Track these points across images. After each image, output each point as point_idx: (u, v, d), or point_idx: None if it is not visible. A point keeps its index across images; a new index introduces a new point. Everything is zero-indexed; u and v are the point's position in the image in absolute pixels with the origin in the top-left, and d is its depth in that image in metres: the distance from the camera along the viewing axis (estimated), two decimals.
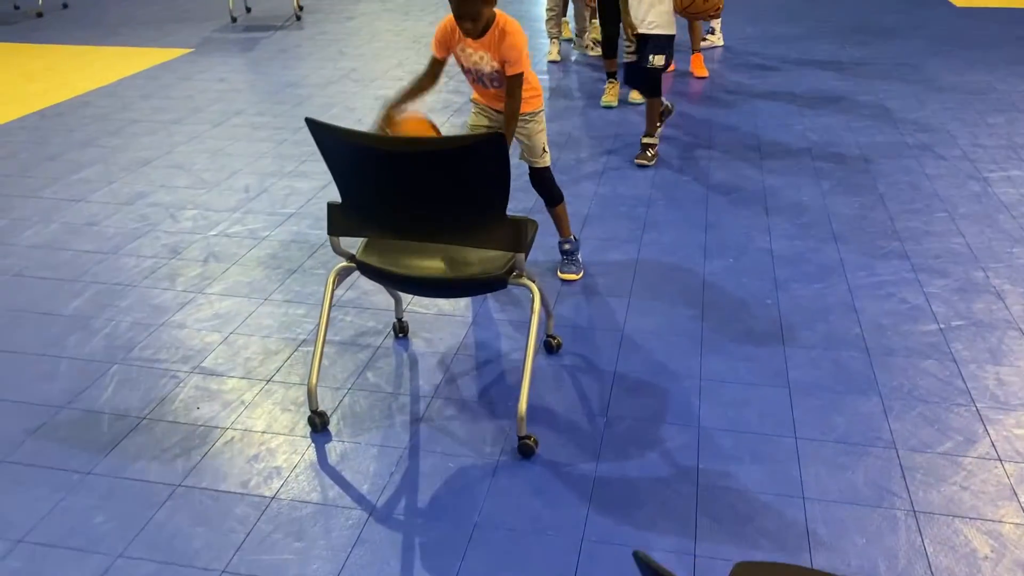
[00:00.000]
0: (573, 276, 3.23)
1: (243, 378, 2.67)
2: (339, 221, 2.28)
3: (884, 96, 5.32)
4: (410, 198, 2.18)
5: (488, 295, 3.08)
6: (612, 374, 2.67)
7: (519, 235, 2.20)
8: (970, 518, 2.09)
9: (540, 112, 3.00)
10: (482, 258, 2.36)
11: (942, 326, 2.90)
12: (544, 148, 3.04)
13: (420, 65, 6.29)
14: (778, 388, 2.59)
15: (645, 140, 4.34)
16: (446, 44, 2.80)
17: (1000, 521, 2.08)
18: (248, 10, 8.19)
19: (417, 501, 2.17)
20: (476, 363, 2.73)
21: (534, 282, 2.36)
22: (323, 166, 4.33)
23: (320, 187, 4.13)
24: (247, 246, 3.54)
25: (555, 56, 6.30)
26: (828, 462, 2.28)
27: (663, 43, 4.15)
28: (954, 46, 6.48)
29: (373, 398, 2.57)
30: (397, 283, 2.43)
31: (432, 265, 2.37)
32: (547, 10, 6.34)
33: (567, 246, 3.23)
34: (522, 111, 2.85)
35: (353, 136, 2.07)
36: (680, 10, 4.15)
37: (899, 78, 5.66)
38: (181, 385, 2.64)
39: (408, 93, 2.75)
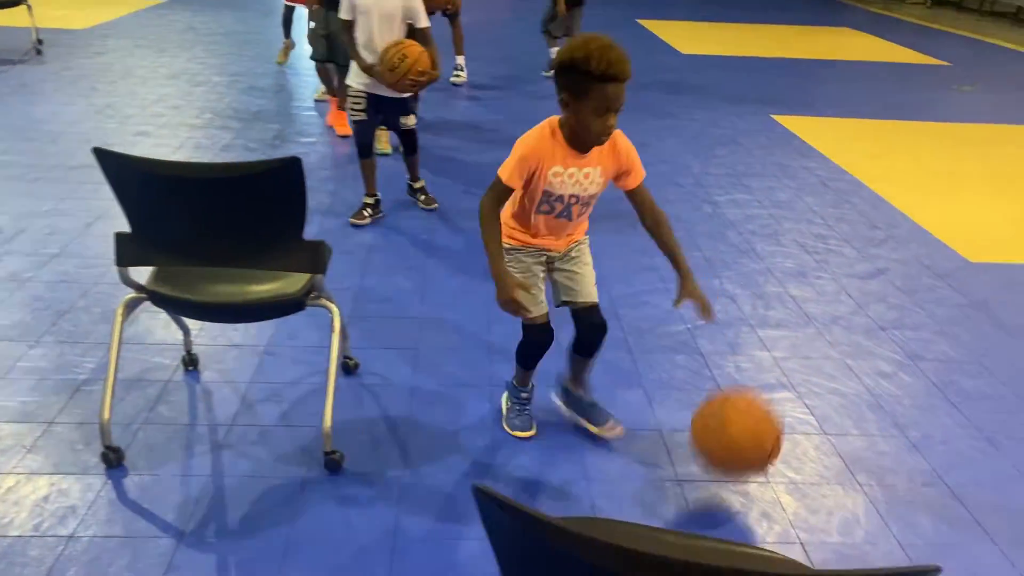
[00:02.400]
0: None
1: (22, 422, 2.53)
2: (128, 251, 2.26)
3: (629, 132, 5.92)
4: (205, 225, 2.22)
5: (278, 324, 3.12)
6: (410, 388, 2.81)
7: (317, 257, 2.30)
8: (722, 481, 2.45)
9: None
10: (278, 281, 2.42)
11: (689, 326, 3.33)
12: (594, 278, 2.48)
13: (183, 103, 6.17)
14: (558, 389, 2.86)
15: (417, 185, 4.40)
16: (535, 168, 2.19)
17: (748, 482, 2.46)
18: None
19: (227, 524, 2.18)
20: (272, 390, 2.76)
21: (333, 303, 2.46)
22: (87, 204, 4.13)
23: (85, 225, 3.94)
24: (9, 289, 3.32)
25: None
26: (606, 447, 2.57)
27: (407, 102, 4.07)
28: (683, 89, 7.35)
29: (169, 431, 2.53)
30: (192, 311, 2.43)
31: (227, 290, 2.40)
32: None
33: None
34: (581, 235, 2.46)
35: (146, 164, 2.08)
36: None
37: (640, 117, 6.33)
38: None
39: (500, 251, 2.23)
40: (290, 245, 2.28)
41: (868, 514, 2.35)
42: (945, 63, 9.26)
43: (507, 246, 2.36)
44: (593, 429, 2.59)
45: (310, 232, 4.06)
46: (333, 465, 2.39)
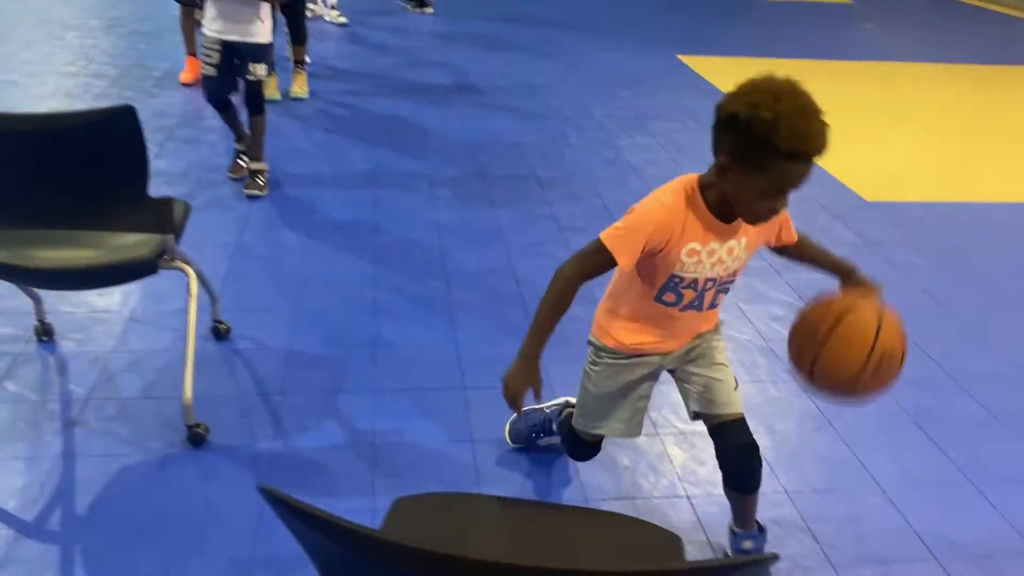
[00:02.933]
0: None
1: None
2: None
3: (526, 74, 5.76)
4: (35, 182, 2.00)
5: (143, 288, 2.90)
6: (286, 352, 2.65)
7: (165, 215, 2.11)
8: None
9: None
10: (128, 243, 2.22)
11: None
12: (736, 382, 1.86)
13: (54, 49, 5.72)
14: (447, 346, 2.74)
15: (255, 166, 3.74)
16: (662, 246, 1.61)
17: None
18: None
19: (76, 510, 2.01)
20: (136, 359, 2.56)
21: (190, 265, 2.27)
22: None
23: None
24: None
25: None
26: (493, 407, 2.46)
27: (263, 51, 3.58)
28: (587, 27, 7.18)
29: (16, 409, 2.32)
30: (28, 278, 2.21)
31: (68, 255, 2.19)
32: None
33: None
34: (712, 325, 1.85)
35: None
36: None
37: (539, 57, 6.16)
38: None
39: (548, 331, 1.70)
40: (134, 203, 2.07)
41: None
42: (848, 1, 9.31)
43: (602, 347, 1.83)
44: None
45: (188, 188, 3.85)
46: (196, 439, 2.22)
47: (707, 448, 2.35)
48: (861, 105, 5.62)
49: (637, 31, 7.24)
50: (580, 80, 5.73)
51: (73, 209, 2.05)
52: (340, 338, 2.74)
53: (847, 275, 1.84)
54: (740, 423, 1.81)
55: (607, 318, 1.83)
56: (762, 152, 1.46)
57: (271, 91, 4.89)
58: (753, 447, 1.81)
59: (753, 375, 2.69)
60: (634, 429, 1.92)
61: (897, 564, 2.00)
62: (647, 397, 1.90)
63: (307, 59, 5.24)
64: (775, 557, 0.85)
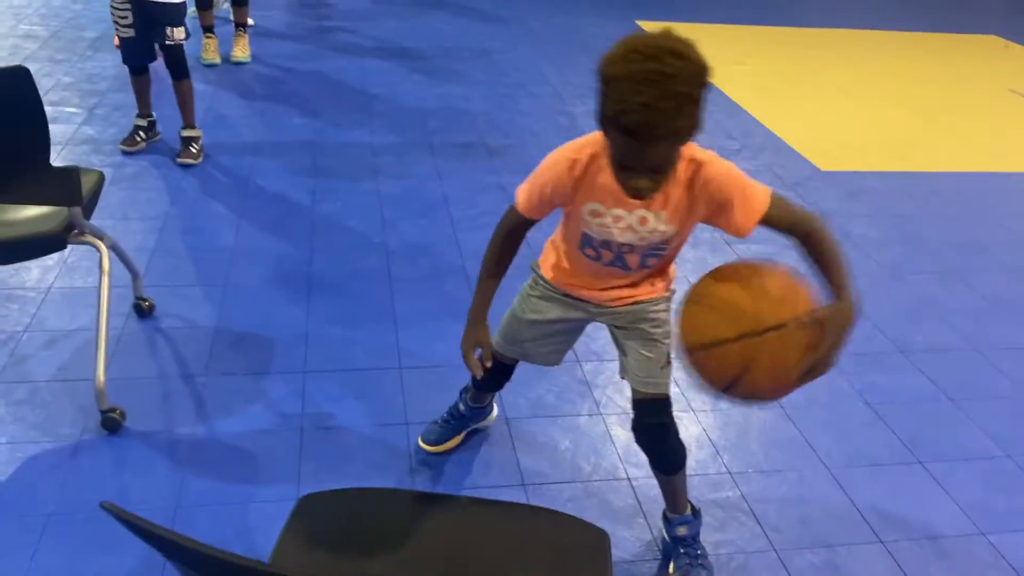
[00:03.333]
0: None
1: None
2: None
3: (477, 38, 5.59)
4: None
5: (59, 262, 2.74)
6: (213, 331, 2.52)
7: (69, 185, 1.95)
8: (553, 416, 2.29)
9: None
10: (31, 216, 2.06)
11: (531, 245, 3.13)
12: (670, 358, 1.72)
13: None
14: (384, 324, 2.62)
15: (186, 133, 3.57)
16: (557, 202, 1.57)
17: (577, 415, 2.31)
18: None
19: None
20: (51, 339, 2.41)
21: (102, 239, 2.12)
22: None
23: None
24: None
25: None
26: (430, 386, 2.36)
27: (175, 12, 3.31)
28: None
29: None
30: None
31: None
32: None
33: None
34: (655, 294, 1.70)
35: None
36: None
37: (491, 22, 5.99)
38: None
39: (489, 292, 1.71)
40: (35, 174, 1.92)
41: (700, 442, 2.25)
42: None
43: (540, 276, 1.75)
44: None
45: (117, 156, 3.65)
46: (111, 424, 2.09)
47: None
48: (817, 74, 5.55)
49: None
50: (534, 45, 5.58)
51: None
52: (271, 316, 2.60)
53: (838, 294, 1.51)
54: (657, 403, 1.71)
55: (548, 250, 1.75)
56: (600, 115, 1.35)
57: (210, 55, 4.68)
58: (662, 429, 1.73)
59: None
60: (553, 359, 1.85)
61: (841, 547, 1.95)
62: (571, 340, 1.84)
63: (250, 21, 5.02)
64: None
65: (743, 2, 7.31)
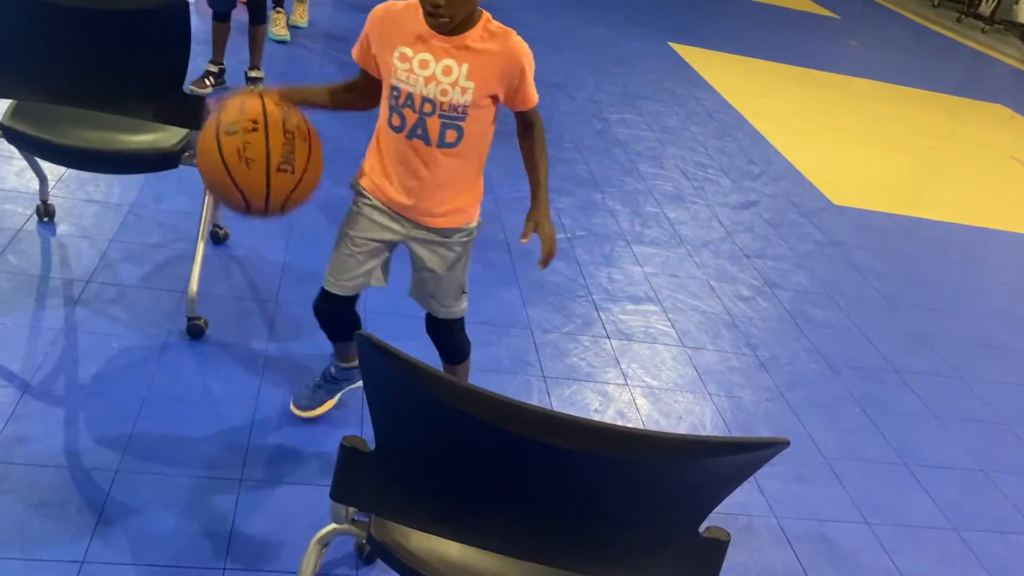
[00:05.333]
0: None
1: None
2: None
3: (527, 40, 5.83)
4: (76, 60, 2.05)
5: (143, 184, 2.95)
6: (282, 264, 2.74)
7: (196, 112, 2.18)
8: (585, 381, 2.54)
9: (476, 227, 1.88)
10: (153, 133, 2.28)
11: (568, 235, 3.38)
12: (464, 287, 1.92)
13: None
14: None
15: (253, 74, 3.84)
16: (377, 43, 1.67)
17: (606, 383, 2.56)
18: None
19: (78, 378, 2.09)
20: (134, 251, 2.63)
21: None
22: None
23: None
24: None
25: None
26: (476, 340, 2.59)
27: None
28: (582, 3, 7.28)
29: (18, 280, 2.38)
30: (53, 154, 2.25)
31: (96, 136, 2.24)
32: None
33: None
34: (454, 223, 1.80)
35: None
36: None
37: (536, 25, 6.25)
38: None
39: (311, 89, 1.84)
40: (168, 96, 2.14)
41: (714, 421, 2.50)
42: (836, 16, 9.57)
43: (359, 189, 1.83)
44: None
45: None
46: (197, 331, 2.31)
47: (672, 403, 2.53)
48: (837, 115, 5.86)
49: (630, 13, 7.36)
50: (573, 52, 5.84)
51: (108, 93, 2.11)
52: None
53: (533, 206, 1.87)
54: (458, 322, 1.94)
55: (366, 156, 1.83)
56: None
57: (280, 30, 4.63)
58: (452, 335, 1.97)
59: (717, 345, 2.88)
60: (379, 278, 1.91)
61: (833, 522, 2.21)
62: (388, 257, 1.90)
63: None
64: (786, 442, 1.01)
65: (769, 40, 7.63)
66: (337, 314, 1.97)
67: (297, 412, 2.13)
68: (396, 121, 1.69)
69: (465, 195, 1.81)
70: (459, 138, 1.69)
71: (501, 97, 1.69)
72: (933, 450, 2.60)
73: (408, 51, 1.62)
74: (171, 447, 1.96)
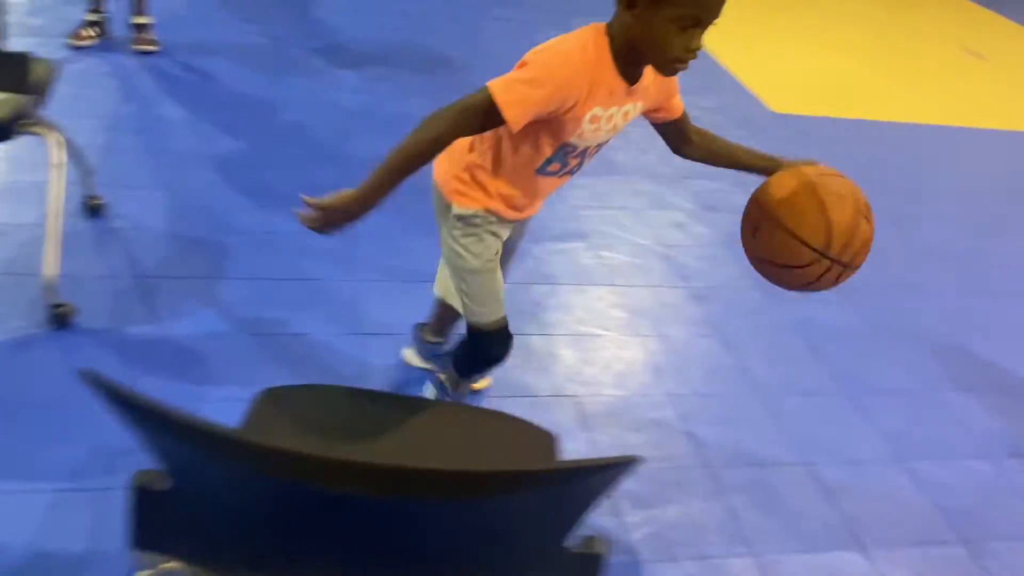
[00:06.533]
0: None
1: None
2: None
3: None
4: None
5: (6, 156, 2.66)
6: (165, 234, 2.50)
7: (21, 73, 1.90)
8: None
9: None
10: None
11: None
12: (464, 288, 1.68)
13: None
14: (343, 237, 2.62)
15: (138, 20, 3.50)
16: (566, 108, 1.35)
17: (529, 334, 2.37)
18: None
19: None
20: None
21: (55, 130, 2.08)
22: None
23: None
24: None
25: None
26: (389, 297, 2.39)
27: None
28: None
29: None
30: None
31: None
32: None
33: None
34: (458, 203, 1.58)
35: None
36: None
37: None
38: None
39: (396, 177, 1.39)
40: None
41: (645, 366, 2.33)
42: None
43: (473, 214, 1.54)
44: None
45: (64, 52, 3.51)
46: (59, 319, 2.08)
47: (598, 349, 2.36)
48: (770, 17, 5.58)
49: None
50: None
51: None
52: (225, 223, 2.59)
53: (776, 166, 1.65)
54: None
55: (471, 185, 1.54)
56: None
57: None
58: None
59: (648, 279, 2.69)
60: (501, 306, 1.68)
61: (771, 467, 2.07)
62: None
63: None
64: (637, 460, 0.81)
65: None
66: (510, 333, 1.70)
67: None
68: (554, 168, 1.50)
69: None
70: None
71: (651, 108, 1.55)
72: (875, 373, 2.45)
73: (600, 111, 1.40)
74: (27, 459, 1.76)
